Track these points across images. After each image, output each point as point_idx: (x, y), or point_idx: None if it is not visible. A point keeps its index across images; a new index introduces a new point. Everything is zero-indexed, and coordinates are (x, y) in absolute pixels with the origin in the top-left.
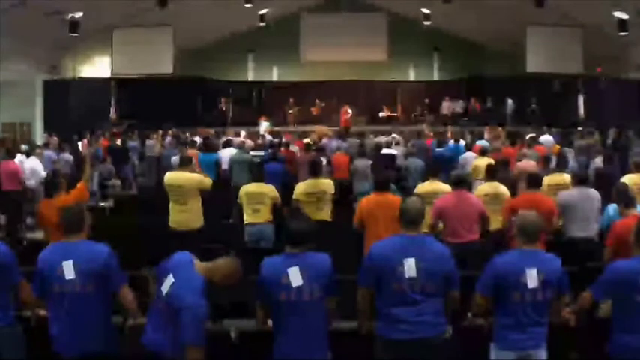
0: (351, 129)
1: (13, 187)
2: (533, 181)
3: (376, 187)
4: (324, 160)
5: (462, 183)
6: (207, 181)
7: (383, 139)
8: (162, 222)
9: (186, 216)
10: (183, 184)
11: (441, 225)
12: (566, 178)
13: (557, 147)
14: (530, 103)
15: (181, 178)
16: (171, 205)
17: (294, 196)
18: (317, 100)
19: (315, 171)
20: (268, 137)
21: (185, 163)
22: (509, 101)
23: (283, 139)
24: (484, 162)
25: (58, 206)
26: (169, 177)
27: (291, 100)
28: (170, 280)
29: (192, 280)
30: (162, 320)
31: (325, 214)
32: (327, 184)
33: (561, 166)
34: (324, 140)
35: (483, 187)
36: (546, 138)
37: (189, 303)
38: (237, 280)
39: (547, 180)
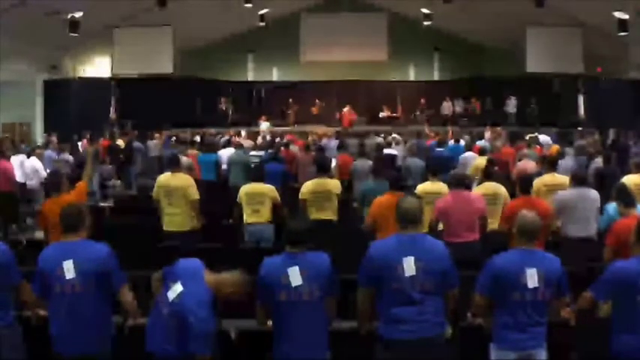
0: (351, 129)
1: (5, 187)
2: (527, 184)
3: (390, 186)
4: (333, 161)
5: (461, 183)
6: (195, 193)
7: (381, 139)
8: (161, 222)
9: (179, 218)
10: (176, 186)
11: (440, 225)
12: (558, 178)
13: (555, 147)
14: (530, 103)
15: (173, 181)
16: (163, 207)
17: (300, 196)
18: (317, 100)
19: (323, 169)
20: (268, 137)
21: (174, 165)
22: (512, 100)
23: (284, 139)
24: (484, 162)
25: (61, 206)
26: (162, 179)
27: (290, 100)
28: (178, 288)
29: (201, 293)
30: (166, 325)
31: (331, 213)
32: (333, 184)
33: (551, 167)
34: (324, 140)
35: (480, 187)
36: (543, 138)
37: (199, 316)
38: (244, 296)
39: (541, 180)
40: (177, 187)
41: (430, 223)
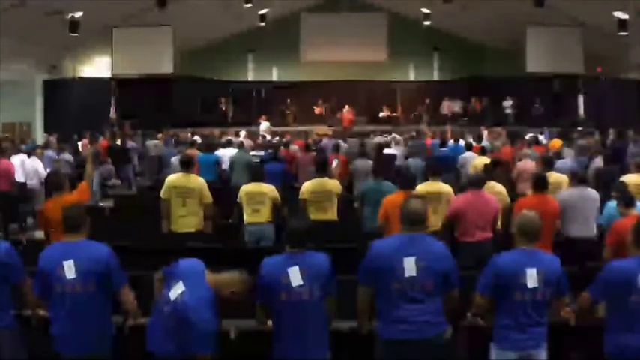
0: (352, 129)
1: (5, 186)
2: (540, 183)
3: (402, 185)
4: (335, 162)
5: (479, 183)
6: (208, 194)
7: (381, 139)
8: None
9: (191, 219)
10: (192, 187)
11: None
12: (555, 176)
13: (558, 142)
14: (534, 102)
15: (189, 182)
16: (174, 208)
17: (300, 195)
18: (320, 100)
19: (322, 170)
20: (268, 137)
21: (189, 165)
22: (509, 101)
23: (284, 139)
24: (483, 161)
25: (63, 205)
26: (175, 180)
27: (288, 100)
28: (180, 287)
29: (203, 293)
30: (167, 325)
31: (331, 213)
32: (333, 184)
33: (547, 166)
34: (325, 140)
35: None
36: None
37: (201, 316)
38: (246, 297)
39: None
40: (193, 188)
41: (445, 222)
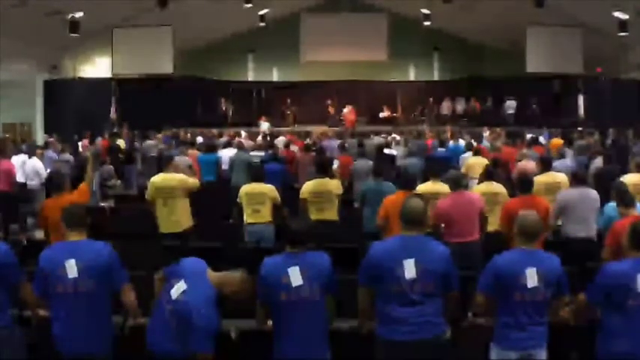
0: (352, 129)
1: (6, 187)
2: (526, 184)
3: (402, 185)
4: (335, 163)
5: (460, 184)
6: (193, 181)
7: (381, 139)
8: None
9: (171, 219)
10: (173, 185)
11: (441, 226)
12: (554, 176)
13: (559, 141)
14: (531, 103)
15: (167, 181)
16: (157, 208)
17: (300, 195)
18: (329, 100)
19: (322, 170)
20: (268, 137)
21: (167, 165)
22: (512, 102)
23: (282, 139)
24: (478, 161)
25: (62, 205)
26: (156, 181)
27: (288, 100)
28: (182, 286)
29: (205, 292)
30: (167, 324)
31: (331, 213)
32: (333, 184)
33: (545, 166)
34: (326, 141)
35: (480, 187)
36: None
37: (202, 315)
38: (246, 296)
39: (537, 180)
40: (172, 187)
41: (432, 224)
